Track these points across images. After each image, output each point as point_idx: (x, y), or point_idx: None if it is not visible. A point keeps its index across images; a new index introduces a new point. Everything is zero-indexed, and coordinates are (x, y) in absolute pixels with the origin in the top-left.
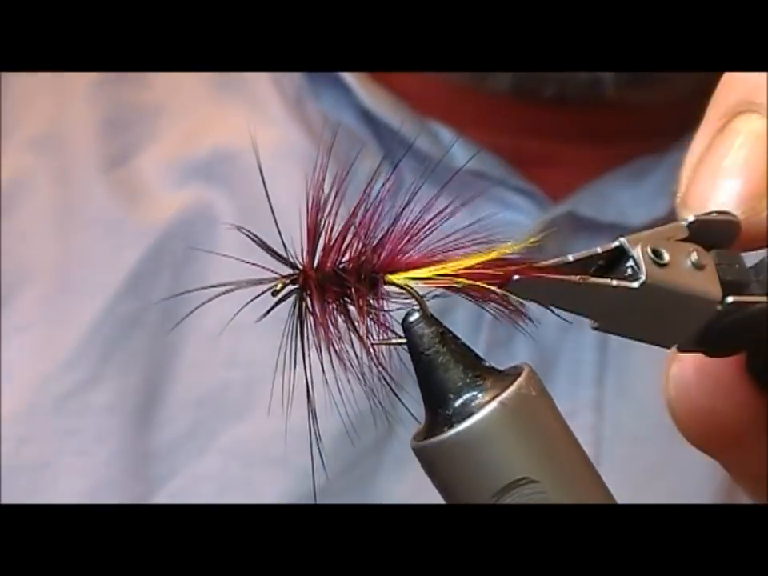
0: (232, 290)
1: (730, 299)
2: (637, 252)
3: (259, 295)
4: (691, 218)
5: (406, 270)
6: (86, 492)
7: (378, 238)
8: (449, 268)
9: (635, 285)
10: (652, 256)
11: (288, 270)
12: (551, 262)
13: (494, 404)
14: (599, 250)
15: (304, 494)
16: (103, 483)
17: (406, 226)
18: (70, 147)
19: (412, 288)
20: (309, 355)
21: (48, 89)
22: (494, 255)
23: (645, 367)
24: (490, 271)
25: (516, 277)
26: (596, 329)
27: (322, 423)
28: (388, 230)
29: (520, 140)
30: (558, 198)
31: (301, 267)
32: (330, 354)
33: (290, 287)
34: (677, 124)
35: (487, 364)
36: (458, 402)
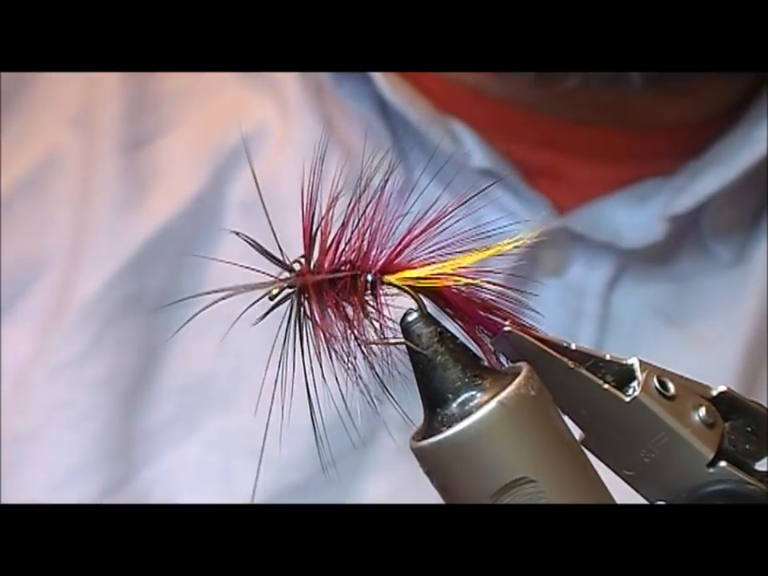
0: (230, 296)
1: (722, 464)
2: (643, 375)
3: (256, 301)
4: (723, 388)
5: (404, 270)
6: (70, 468)
7: (376, 238)
8: (446, 268)
9: (627, 398)
10: (657, 384)
11: (286, 274)
12: (551, 335)
13: (492, 403)
14: (608, 356)
15: (282, 487)
16: (89, 460)
17: (405, 227)
18: (98, 126)
19: (410, 288)
20: (308, 355)
21: None
22: (490, 253)
23: None
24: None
25: (507, 328)
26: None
27: (304, 420)
28: (386, 230)
29: (532, 150)
30: (561, 211)
31: (297, 270)
32: (327, 355)
33: (287, 291)
34: (684, 148)
35: (485, 363)
36: (456, 402)
